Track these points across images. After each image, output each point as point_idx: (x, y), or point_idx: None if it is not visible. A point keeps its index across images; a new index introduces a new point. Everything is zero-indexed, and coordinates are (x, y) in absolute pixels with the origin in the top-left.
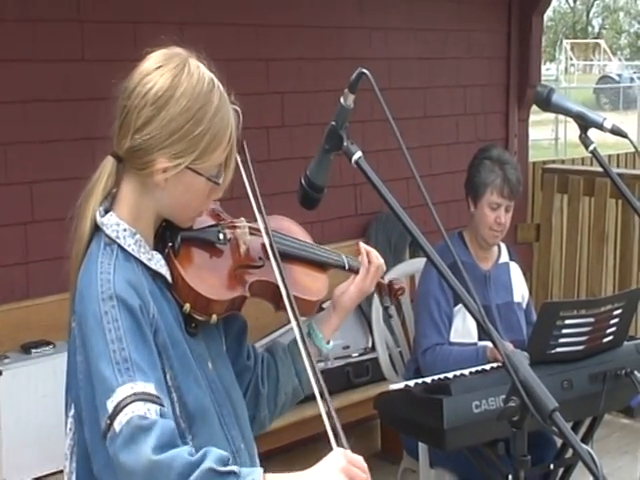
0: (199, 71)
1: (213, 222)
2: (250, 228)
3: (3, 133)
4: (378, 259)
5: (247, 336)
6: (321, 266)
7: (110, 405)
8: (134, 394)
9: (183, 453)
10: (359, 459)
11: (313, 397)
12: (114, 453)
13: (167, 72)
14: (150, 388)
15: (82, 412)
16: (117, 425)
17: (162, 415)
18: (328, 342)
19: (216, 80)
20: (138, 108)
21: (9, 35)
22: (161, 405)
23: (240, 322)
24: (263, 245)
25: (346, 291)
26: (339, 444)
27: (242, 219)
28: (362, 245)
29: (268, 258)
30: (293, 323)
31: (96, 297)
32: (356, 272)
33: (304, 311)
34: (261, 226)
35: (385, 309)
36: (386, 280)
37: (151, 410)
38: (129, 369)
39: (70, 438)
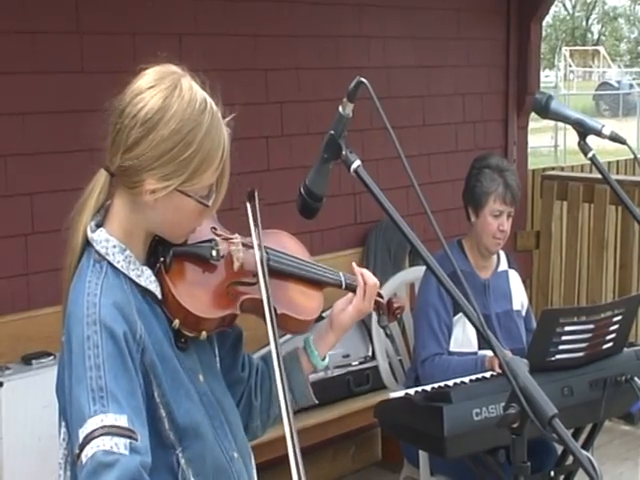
0: (191, 92)
1: (208, 237)
2: (244, 245)
3: (3, 145)
4: (372, 278)
5: (243, 346)
6: (317, 284)
7: (81, 435)
8: (102, 427)
9: None
10: None
11: (308, 408)
12: None
13: (158, 93)
14: (122, 421)
15: (68, 425)
16: (84, 457)
17: (132, 449)
18: (324, 358)
19: (209, 100)
20: (128, 128)
21: (8, 47)
22: (132, 439)
23: (236, 332)
24: None
25: (344, 310)
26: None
27: (237, 235)
28: (355, 266)
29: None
30: (272, 345)
31: (81, 319)
32: (353, 290)
33: (296, 329)
34: (255, 242)
35: (383, 328)
36: (385, 299)
37: (119, 444)
38: (103, 398)
39: (64, 448)
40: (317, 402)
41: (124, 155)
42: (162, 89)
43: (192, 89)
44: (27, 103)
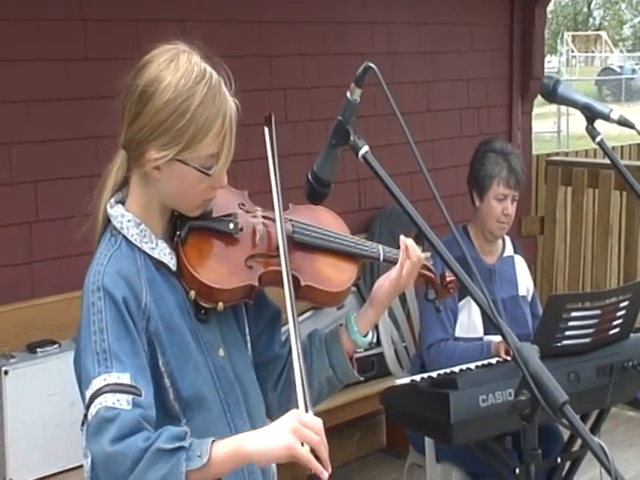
0: (188, 65)
1: (230, 211)
2: (265, 217)
3: (7, 132)
4: (416, 254)
5: (280, 324)
6: (351, 257)
7: (87, 396)
8: (105, 385)
9: (138, 440)
10: (314, 420)
11: None
12: (86, 443)
13: (155, 67)
14: (124, 378)
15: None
16: (89, 416)
17: (135, 404)
18: (365, 335)
19: (209, 73)
20: (130, 102)
21: (12, 34)
22: (134, 394)
23: (272, 310)
24: None
25: (382, 286)
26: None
27: (258, 208)
28: (402, 238)
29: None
30: (289, 315)
31: (88, 287)
32: (393, 263)
33: (325, 301)
34: (277, 215)
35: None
36: (437, 273)
37: (121, 400)
38: (107, 359)
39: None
40: (362, 379)
41: (128, 128)
42: (159, 62)
43: (190, 62)
44: (31, 90)
